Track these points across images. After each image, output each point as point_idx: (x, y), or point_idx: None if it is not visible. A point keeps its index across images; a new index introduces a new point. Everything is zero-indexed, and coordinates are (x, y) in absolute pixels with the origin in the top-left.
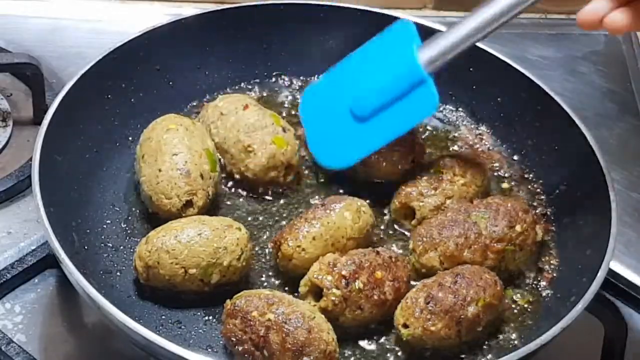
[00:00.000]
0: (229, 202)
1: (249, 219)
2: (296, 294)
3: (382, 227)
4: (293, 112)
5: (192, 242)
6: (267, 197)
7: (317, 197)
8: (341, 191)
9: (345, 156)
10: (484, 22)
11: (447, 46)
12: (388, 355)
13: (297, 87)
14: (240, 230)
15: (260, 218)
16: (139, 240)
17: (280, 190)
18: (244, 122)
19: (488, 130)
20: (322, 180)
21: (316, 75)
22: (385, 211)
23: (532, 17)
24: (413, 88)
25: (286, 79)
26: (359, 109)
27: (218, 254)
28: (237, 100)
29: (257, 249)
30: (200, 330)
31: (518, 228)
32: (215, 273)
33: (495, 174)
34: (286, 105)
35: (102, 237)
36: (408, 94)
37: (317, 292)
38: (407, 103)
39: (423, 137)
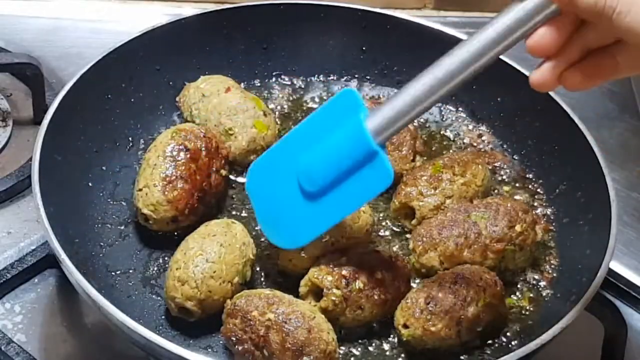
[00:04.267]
0: (232, 203)
1: (252, 222)
2: (296, 294)
3: (382, 227)
4: (292, 112)
5: (222, 254)
6: None
7: None
8: None
9: (297, 235)
10: (436, 82)
11: (397, 114)
12: (388, 355)
13: (297, 87)
14: (235, 223)
15: None
16: (138, 240)
17: None
18: (226, 104)
19: (488, 130)
20: None
21: (316, 75)
22: (385, 211)
23: None
24: (364, 161)
25: (286, 79)
26: (309, 185)
27: (243, 251)
28: (219, 82)
29: (258, 249)
30: (200, 330)
31: (518, 228)
32: (247, 269)
33: (495, 174)
34: (284, 106)
35: (102, 237)
36: (360, 168)
37: (317, 292)
38: (360, 178)
39: (423, 136)
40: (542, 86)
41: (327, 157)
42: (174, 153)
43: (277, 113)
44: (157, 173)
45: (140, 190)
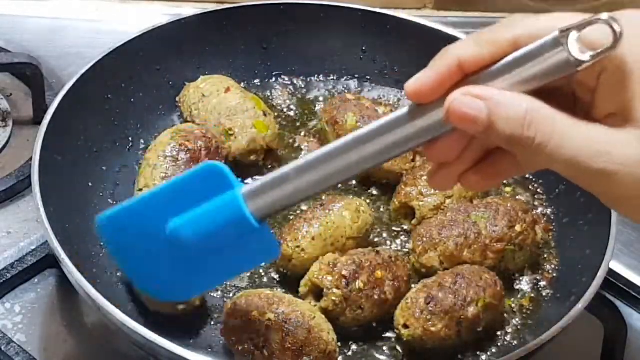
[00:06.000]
0: None
1: None
2: (296, 294)
3: (382, 227)
4: (290, 113)
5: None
6: None
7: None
8: (341, 191)
9: (175, 291)
10: (322, 178)
11: (284, 197)
12: (388, 355)
13: (297, 87)
14: None
15: None
16: None
17: None
18: (226, 105)
19: None
20: None
21: (316, 75)
22: (385, 211)
23: None
24: (247, 236)
25: (286, 79)
26: (184, 249)
27: None
28: (219, 82)
29: None
30: (200, 330)
31: (518, 228)
32: None
33: None
34: (284, 106)
35: None
36: (243, 240)
37: (317, 292)
38: (243, 248)
39: None
40: (441, 188)
41: (204, 228)
42: (174, 153)
43: (280, 113)
44: (158, 173)
45: (141, 190)
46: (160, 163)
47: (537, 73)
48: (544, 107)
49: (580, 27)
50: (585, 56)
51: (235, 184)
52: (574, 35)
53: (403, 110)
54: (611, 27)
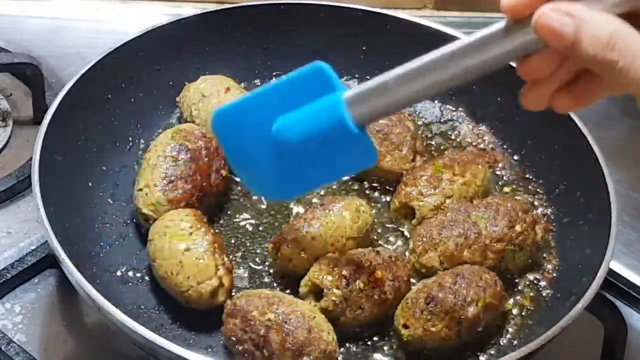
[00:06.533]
0: (232, 203)
1: (252, 221)
2: (296, 294)
3: (382, 227)
4: None
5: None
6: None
7: (316, 196)
8: (341, 191)
9: (278, 189)
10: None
11: (384, 105)
12: (388, 355)
13: None
14: None
15: (265, 219)
16: (138, 240)
17: None
18: None
19: (488, 130)
20: None
21: None
22: (385, 211)
23: None
24: (347, 141)
25: None
26: (288, 148)
27: None
28: (219, 82)
29: (258, 249)
30: (200, 330)
31: (518, 228)
32: None
33: (496, 174)
34: None
35: (102, 237)
36: (342, 145)
37: (317, 292)
38: (343, 152)
39: (423, 136)
40: (533, 107)
41: (306, 130)
42: (174, 153)
43: None
44: (158, 173)
45: (141, 190)
46: (160, 163)
47: None
48: (632, 32)
49: None
50: None
51: (338, 87)
52: None
53: (500, 24)
54: None
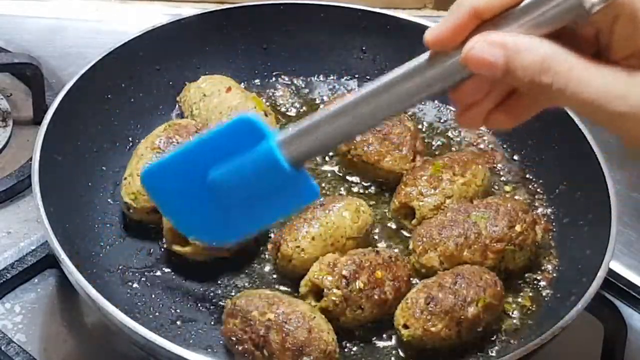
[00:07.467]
0: None
1: None
2: (296, 294)
3: (382, 227)
4: (291, 113)
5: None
6: None
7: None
8: (341, 191)
9: (217, 234)
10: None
11: (317, 143)
12: (388, 355)
13: (298, 87)
14: None
15: None
16: (138, 240)
17: None
18: (227, 104)
19: (488, 130)
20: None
21: (316, 75)
22: (385, 211)
23: None
24: (283, 183)
25: (286, 79)
26: (223, 197)
27: None
28: (220, 81)
29: (258, 249)
30: (200, 330)
31: (518, 228)
32: None
33: (495, 174)
34: (285, 105)
35: (102, 237)
36: (280, 189)
37: (317, 292)
38: (281, 195)
39: (423, 136)
40: (469, 127)
41: (242, 176)
42: (162, 145)
43: (280, 113)
44: (142, 163)
45: (125, 179)
46: (146, 153)
47: (551, 16)
48: (562, 52)
49: None
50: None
51: (269, 133)
52: None
53: (424, 56)
54: None
